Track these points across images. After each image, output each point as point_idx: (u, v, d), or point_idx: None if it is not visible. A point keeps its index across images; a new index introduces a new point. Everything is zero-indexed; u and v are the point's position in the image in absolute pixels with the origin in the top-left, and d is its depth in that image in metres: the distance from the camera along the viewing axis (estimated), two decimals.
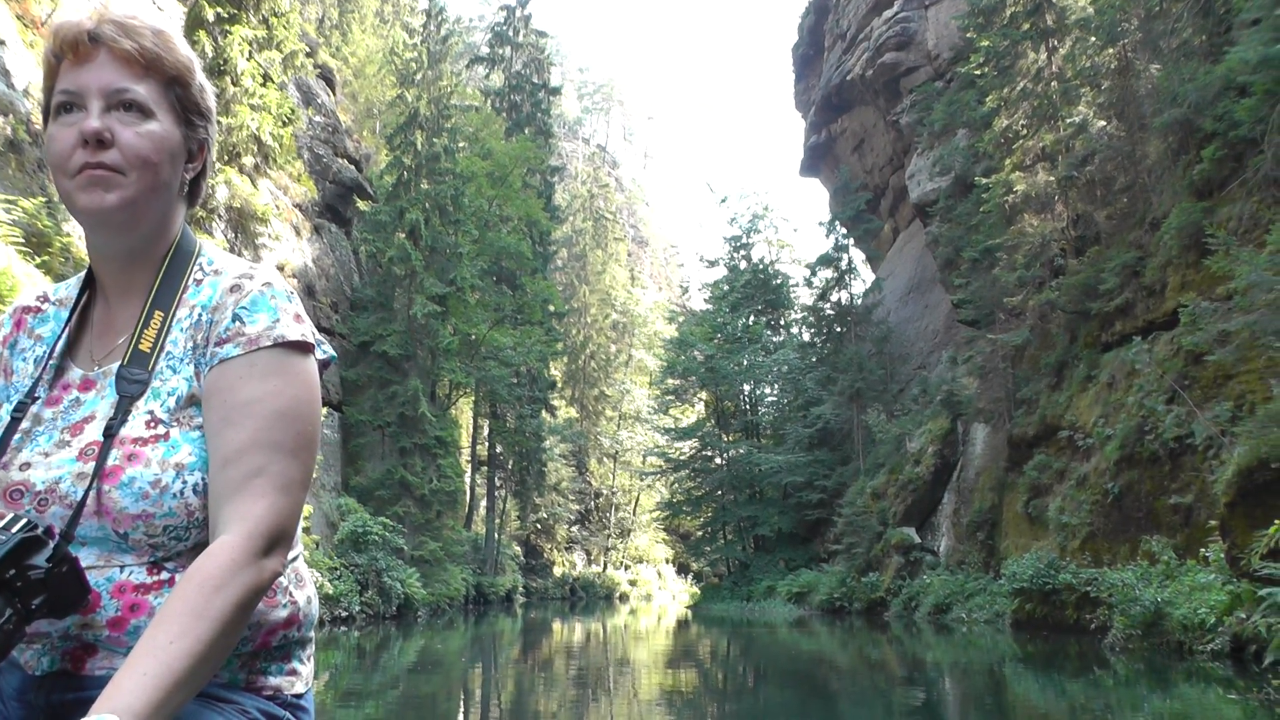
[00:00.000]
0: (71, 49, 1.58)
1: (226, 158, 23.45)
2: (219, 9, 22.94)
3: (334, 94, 40.18)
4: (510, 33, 53.35)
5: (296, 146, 33.20)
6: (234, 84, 22.84)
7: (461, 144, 41.37)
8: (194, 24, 22.42)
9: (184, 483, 1.52)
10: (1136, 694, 10.78)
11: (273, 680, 1.64)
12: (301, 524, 1.61)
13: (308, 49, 32.23)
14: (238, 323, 1.59)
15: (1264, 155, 17.59)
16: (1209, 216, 18.88)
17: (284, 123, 25.00)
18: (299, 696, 1.68)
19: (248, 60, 23.27)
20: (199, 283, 1.68)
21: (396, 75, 39.28)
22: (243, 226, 24.90)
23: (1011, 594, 22.01)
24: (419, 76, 37.48)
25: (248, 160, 24.49)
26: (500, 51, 53.50)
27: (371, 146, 43.85)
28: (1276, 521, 11.59)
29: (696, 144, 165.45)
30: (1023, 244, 27.15)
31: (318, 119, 36.20)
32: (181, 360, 1.61)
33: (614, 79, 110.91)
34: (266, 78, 24.18)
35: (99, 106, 1.57)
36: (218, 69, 22.52)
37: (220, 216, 23.86)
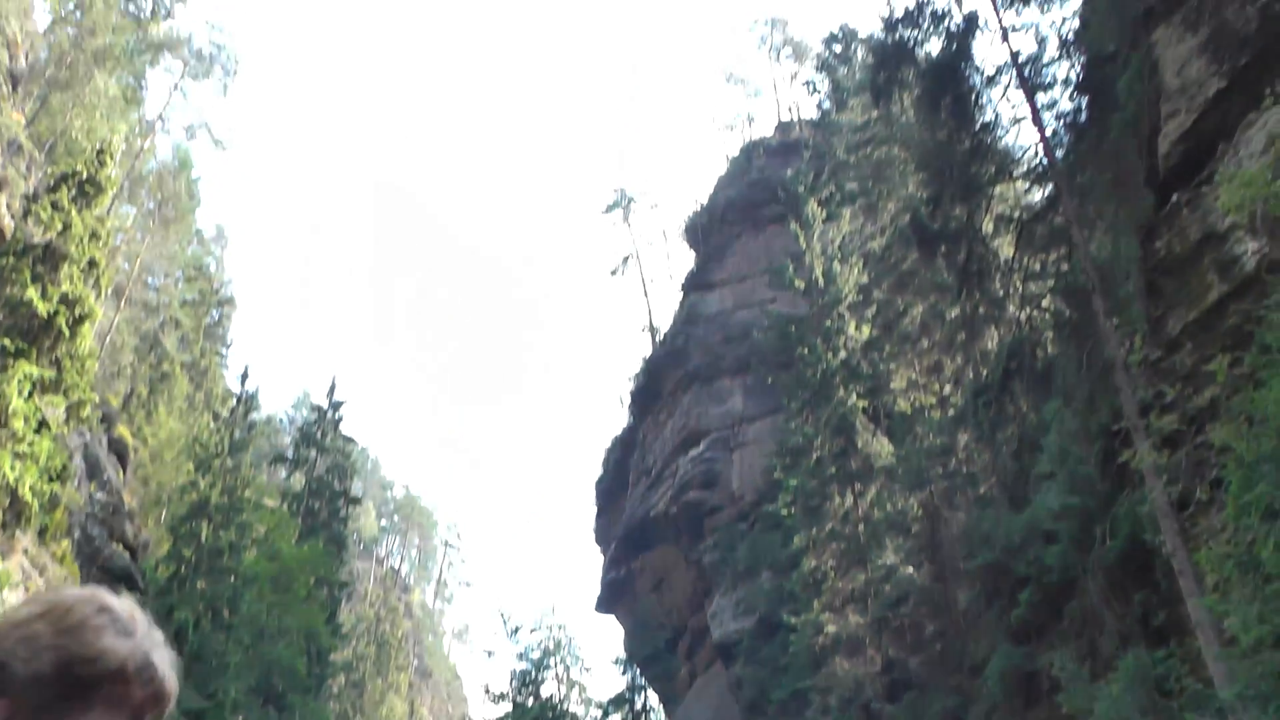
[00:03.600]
0: None
1: None
2: (6, 341, 21.30)
3: (124, 473, 37.77)
4: (318, 435, 52.43)
5: (68, 523, 30.41)
6: (1, 424, 20.75)
7: (250, 542, 38.97)
8: None
9: None
10: None
11: None
12: None
13: (102, 413, 30.38)
14: None
15: (1078, 602, 17.64)
16: (1030, 661, 18.58)
17: (51, 478, 22.66)
18: None
19: (26, 399, 21.35)
20: None
21: (194, 459, 37.43)
22: None
23: None
24: (216, 464, 35.73)
25: None
26: (305, 453, 52.22)
27: (153, 535, 40.82)
28: None
29: (493, 573, 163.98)
30: (834, 686, 26.34)
31: (99, 495, 33.59)
32: None
33: (416, 500, 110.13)
34: (42, 424, 22.16)
35: None
36: None
37: None
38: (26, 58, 45.58)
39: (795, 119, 64.85)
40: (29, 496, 22.27)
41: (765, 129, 68.19)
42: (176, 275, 61.19)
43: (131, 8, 56.07)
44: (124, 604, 1.57)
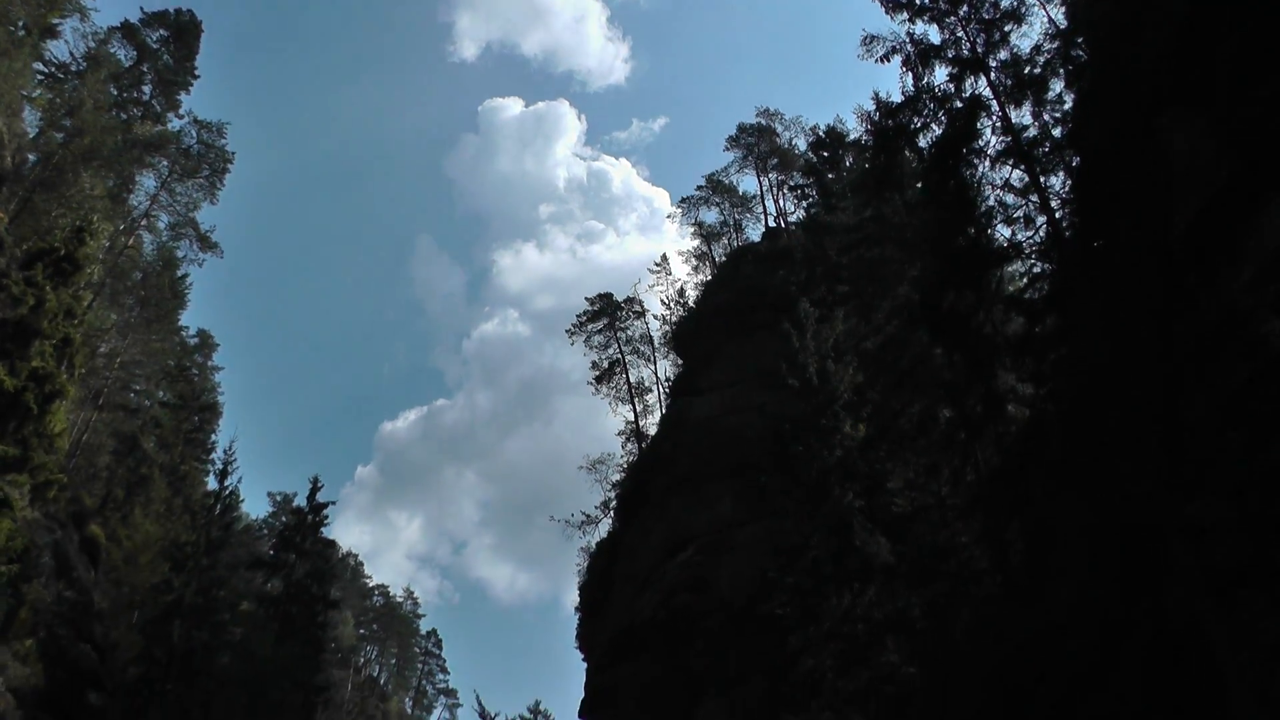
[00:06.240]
0: None
1: None
2: None
3: (95, 573, 36.56)
4: (298, 538, 51.20)
5: (33, 621, 29.22)
6: None
7: (224, 644, 37.68)
8: None
9: None
10: None
11: None
12: None
13: (76, 511, 29.37)
14: None
15: (1101, 699, 16.75)
16: None
17: (10, 559, 21.67)
18: None
19: None
20: None
21: (169, 559, 36.29)
22: None
23: None
24: (192, 564, 34.64)
25: None
26: (285, 556, 50.91)
27: (124, 639, 39.36)
28: None
29: (473, 680, 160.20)
30: None
31: (68, 594, 32.38)
32: None
33: (397, 607, 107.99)
34: (4, 503, 21.24)
35: None
36: None
37: None
38: (13, 159, 45.53)
39: (783, 225, 65.17)
40: None
41: (754, 235, 68.50)
42: (158, 376, 60.50)
43: (122, 114, 56.50)
44: None
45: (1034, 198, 22.06)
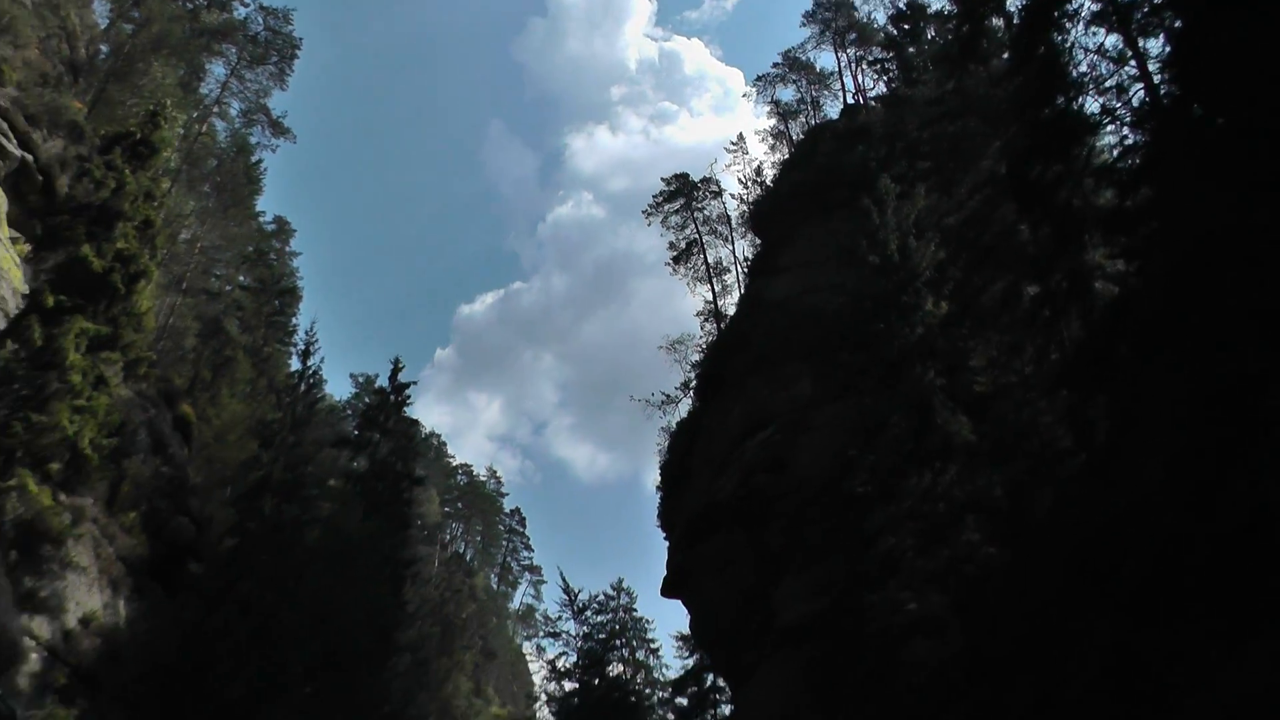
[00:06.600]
0: None
1: (30, 461, 20.35)
2: (62, 296, 20.94)
3: (188, 450, 37.72)
4: (381, 417, 52.19)
5: (135, 495, 30.30)
6: (59, 380, 20.33)
7: (313, 520, 38.74)
8: (29, 308, 20.32)
9: None
10: None
11: None
12: None
13: (166, 391, 30.14)
14: None
15: (1190, 578, 16.41)
16: (1132, 642, 17.37)
17: (110, 434, 22.30)
18: None
19: (82, 355, 20.96)
20: None
21: (257, 437, 37.22)
22: (29, 547, 21.14)
23: None
24: (279, 439, 35.47)
25: (53, 468, 21.39)
26: (368, 434, 52.03)
27: (217, 514, 40.77)
28: None
29: (557, 557, 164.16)
30: (913, 668, 25.32)
31: (164, 469, 33.48)
32: None
33: (480, 485, 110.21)
34: (100, 380, 21.78)
35: None
36: (43, 361, 20.10)
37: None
38: (87, 50, 45.84)
39: (861, 101, 63.30)
40: (89, 451, 21.93)
41: (832, 112, 66.68)
42: (238, 261, 61.48)
43: (188, 3, 56.44)
44: None
45: (1130, 64, 20.95)
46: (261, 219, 66.43)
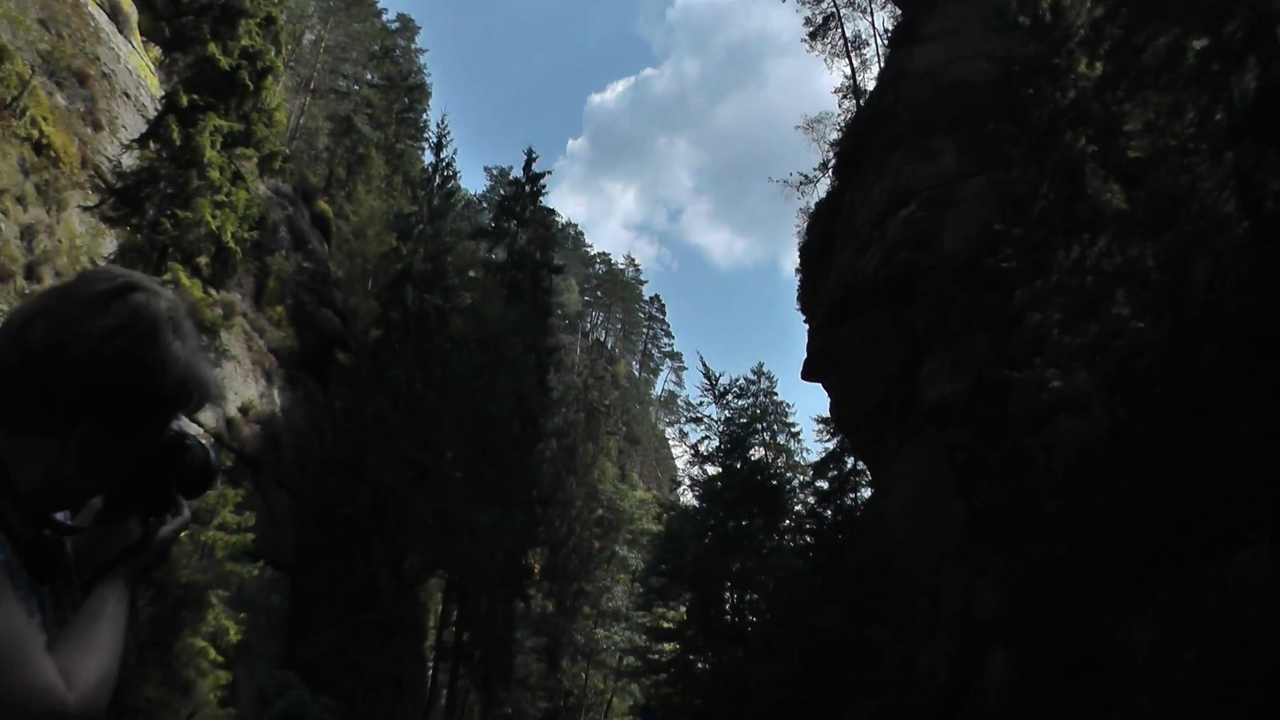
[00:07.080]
0: None
1: (180, 256, 21.10)
2: (194, 96, 21.14)
3: (328, 246, 38.53)
4: (517, 208, 52.31)
5: (280, 290, 31.20)
6: (199, 176, 20.78)
7: (455, 309, 39.46)
8: (166, 109, 20.60)
9: None
10: None
11: None
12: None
13: (303, 189, 30.52)
14: None
15: None
16: None
17: (251, 227, 22.82)
18: None
19: (218, 151, 21.31)
20: None
21: (395, 230, 37.69)
22: None
23: None
24: (417, 231, 35.85)
25: (202, 262, 22.15)
26: (505, 225, 52.33)
27: (360, 305, 41.92)
28: None
29: (698, 344, 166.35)
30: (1058, 447, 24.73)
31: (307, 265, 34.32)
32: None
33: (619, 273, 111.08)
34: (237, 176, 22.17)
35: None
36: (183, 159, 20.52)
37: None
38: None
39: None
40: (232, 244, 22.50)
41: None
42: (364, 59, 61.20)
43: None
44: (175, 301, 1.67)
45: None
46: (384, 17, 65.74)
